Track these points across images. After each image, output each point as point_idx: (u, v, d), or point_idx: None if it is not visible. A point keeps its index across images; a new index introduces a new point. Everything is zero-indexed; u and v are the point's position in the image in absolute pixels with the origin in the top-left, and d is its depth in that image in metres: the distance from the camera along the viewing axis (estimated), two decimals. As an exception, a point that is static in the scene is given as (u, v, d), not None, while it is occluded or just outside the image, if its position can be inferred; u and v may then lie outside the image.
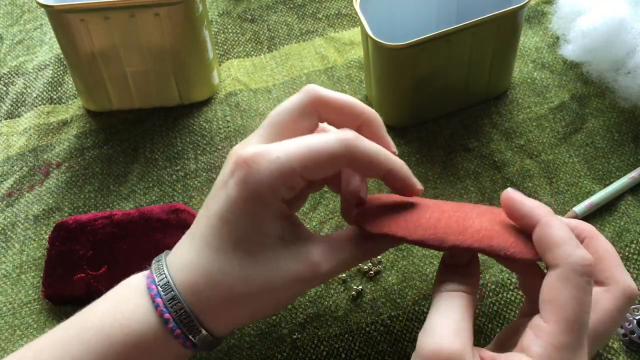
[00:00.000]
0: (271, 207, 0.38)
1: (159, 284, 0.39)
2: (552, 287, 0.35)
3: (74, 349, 0.38)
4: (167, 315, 0.38)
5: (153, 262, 0.40)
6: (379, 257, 0.52)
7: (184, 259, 0.39)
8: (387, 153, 0.40)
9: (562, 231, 0.36)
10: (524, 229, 0.38)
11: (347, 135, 0.39)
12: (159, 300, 0.38)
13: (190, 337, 0.38)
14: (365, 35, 0.54)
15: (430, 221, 0.39)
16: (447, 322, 0.35)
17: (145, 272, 0.41)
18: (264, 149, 0.38)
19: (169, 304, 0.38)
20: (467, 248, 0.37)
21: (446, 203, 0.42)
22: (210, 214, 0.39)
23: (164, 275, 0.39)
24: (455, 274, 0.38)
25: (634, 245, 0.51)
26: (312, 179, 0.39)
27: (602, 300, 0.38)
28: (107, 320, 0.38)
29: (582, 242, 0.40)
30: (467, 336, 0.35)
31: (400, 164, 0.40)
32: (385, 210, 0.41)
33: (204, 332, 0.39)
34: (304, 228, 0.41)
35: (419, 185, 0.41)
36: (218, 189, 0.40)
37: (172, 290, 0.38)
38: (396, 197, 0.43)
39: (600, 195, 0.53)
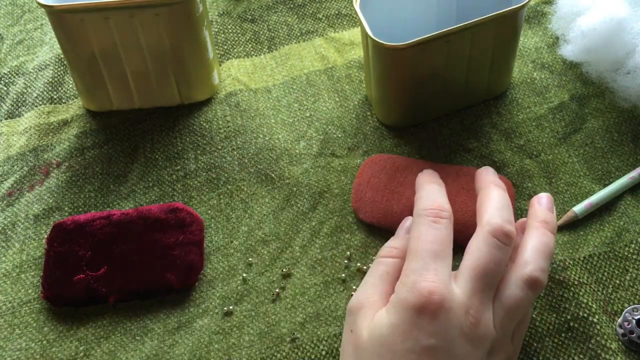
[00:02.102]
0: None
1: None
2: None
3: None
4: None
5: None
6: (378, 257, 0.52)
7: None
8: None
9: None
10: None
11: None
12: None
13: None
14: (365, 35, 0.54)
15: (412, 214, 0.47)
16: (365, 283, 0.45)
17: None
18: None
19: None
20: None
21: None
22: None
23: None
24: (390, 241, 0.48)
25: (633, 245, 0.51)
26: None
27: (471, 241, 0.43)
28: None
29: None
30: (372, 290, 0.44)
31: None
32: (377, 201, 0.53)
33: None
34: None
35: None
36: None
37: None
38: (390, 169, 0.55)
39: (600, 195, 0.53)
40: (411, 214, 0.51)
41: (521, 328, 0.44)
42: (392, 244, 0.47)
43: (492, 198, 0.45)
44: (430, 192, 0.47)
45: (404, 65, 0.54)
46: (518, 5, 0.53)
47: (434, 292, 0.40)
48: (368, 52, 0.55)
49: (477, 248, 0.42)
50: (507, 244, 0.42)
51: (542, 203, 0.47)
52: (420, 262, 0.42)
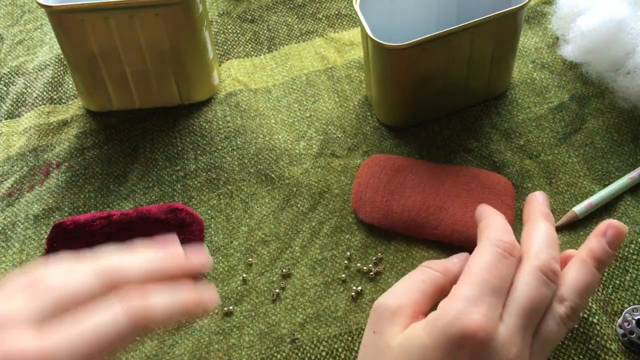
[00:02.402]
0: None
1: None
2: (472, 256, 0.42)
3: None
4: None
5: None
6: (379, 257, 0.52)
7: None
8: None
9: (492, 220, 0.44)
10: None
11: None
12: None
13: None
14: (365, 35, 0.54)
15: (411, 214, 0.51)
16: (399, 285, 0.43)
17: None
18: None
19: None
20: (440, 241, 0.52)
21: (430, 185, 0.54)
22: None
23: None
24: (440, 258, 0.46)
25: (633, 245, 0.51)
26: None
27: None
28: None
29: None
30: (407, 297, 0.41)
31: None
32: (377, 201, 0.54)
33: None
34: None
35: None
36: None
37: None
38: (391, 169, 0.55)
39: (600, 195, 0.53)
40: (411, 214, 0.51)
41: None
42: (442, 261, 0.45)
43: (541, 232, 0.43)
44: (502, 225, 0.44)
45: (404, 66, 0.54)
46: (518, 6, 0.53)
47: (481, 330, 0.37)
48: (368, 52, 0.55)
49: (525, 283, 0.40)
50: (554, 281, 0.41)
51: (608, 235, 0.43)
52: (477, 291, 0.39)
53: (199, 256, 0.40)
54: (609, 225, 0.43)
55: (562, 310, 0.40)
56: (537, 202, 0.46)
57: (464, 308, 0.38)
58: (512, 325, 0.38)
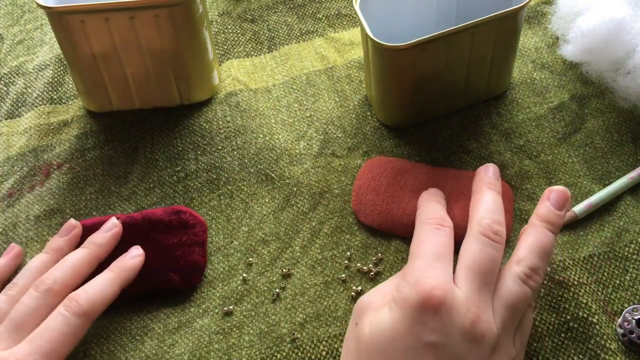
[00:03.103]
0: None
1: None
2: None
3: None
4: None
5: None
6: (379, 257, 0.52)
7: None
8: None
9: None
10: None
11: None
12: None
13: None
14: (365, 35, 0.54)
15: (412, 218, 0.51)
16: (380, 285, 0.46)
17: None
18: None
19: None
20: None
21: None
22: None
23: None
24: None
25: (633, 245, 0.51)
26: None
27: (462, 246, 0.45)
28: None
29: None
30: (383, 290, 0.45)
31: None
32: (377, 204, 0.54)
33: None
34: None
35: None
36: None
37: None
38: (390, 172, 0.56)
39: (600, 195, 0.53)
40: (411, 217, 0.52)
41: (523, 333, 0.44)
42: None
43: (484, 200, 0.47)
44: (431, 207, 0.49)
45: (403, 66, 0.54)
46: (518, 6, 0.53)
47: (436, 289, 0.40)
48: (368, 52, 0.55)
49: (470, 248, 0.44)
50: (497, 241, 0.44)
51: (551, 198, 0.47)
52: (423, 262, 0.43)
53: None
54: (550, 190, 0.47)
55: (519, 269, 0.43)
56: (484, 174, 0.49)
57: (417, 278, 0.41)
58: (465, 287, 0.41)
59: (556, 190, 0.47)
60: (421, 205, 0.50)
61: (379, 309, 0.43)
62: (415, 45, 0.51)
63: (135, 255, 0.51)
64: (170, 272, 0.52)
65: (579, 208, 0.53)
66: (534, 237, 0.45)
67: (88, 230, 0.53)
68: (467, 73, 0.56)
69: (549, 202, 0.47)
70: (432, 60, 0.54)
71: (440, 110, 0.59)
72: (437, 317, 0.40)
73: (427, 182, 0.54)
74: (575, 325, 0.48)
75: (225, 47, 0.67)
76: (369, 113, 0.61)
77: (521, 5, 0.53)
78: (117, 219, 0.54)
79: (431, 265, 0.42)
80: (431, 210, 0.48)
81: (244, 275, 0.52)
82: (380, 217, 0.53)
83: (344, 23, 0.68)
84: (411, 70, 0.54)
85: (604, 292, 0.50)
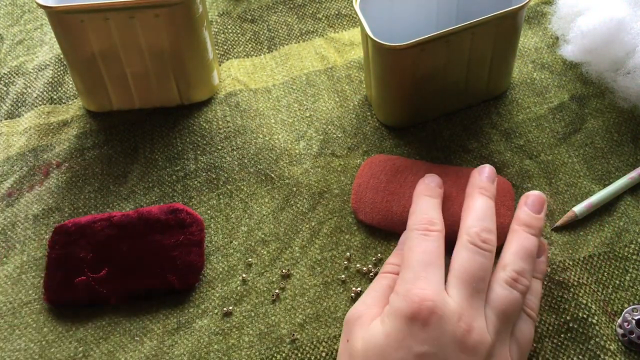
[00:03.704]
0: None
1: None
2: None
3: None
4: None
5: None
6: (379, 257, 0.52)
7: None
8: None
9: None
10: None
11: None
12: None
13: None
14: (365, 35, 0.54)
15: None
16: (367, 296, 0.45)
17: None
18: None
19: None
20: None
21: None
22: None
23: None
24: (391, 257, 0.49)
25: (633, 245, 0.51)
26: None
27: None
28: None
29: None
30: (372, 302, 0.44)
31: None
32: (377, 202, 0.54)
33: None
34: None
35: None
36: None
37: None
38: (389, 170, 0.55)
39: (600, 195, 0.53)
40: None
41: (520, 345, 0.43)
42: (392, 260, 0.48)
43: (474, 207, 0.46)
44: (423, 206, 0.48)
45: (403, 66, 0.54)
46: (518, 6, 0.53)
47: (425, 299, 0.40)
48: (368, 52, 0.55)
49: (459, 256, 0.43)
50: (486, 249, 0.44)
51: (528, 203, 0.47)
52: (412, 272, 0.42)
53: None
54: (526, 195, 0.48)
55: (505, 275, 0.43)
56: (477, 178, 0.49)
57: (406, 289, 0.41)
58: (456, 295, 0.41)
59: (532, 195, 0.48)
60: (413, 201, 0.49)
61: (369, 321, 0.42)
62: (414, 45, 0.51)
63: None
64: (168, 273, 0.51)
65: (579, 208, 0.53)
66: (516, 242, 0.45)
67: (83, 228, 0.53)
68: (467, 73, 0.56)
69: (526, 207, 0.47)
70: (432, 60, 0.54)
71: (440, 110, 0.59)
72: (428, 328, 0.39)
73: None
74: (575, 326, 0.48)
75: (225, 47, 0.67)
76: (368, 113, 0.61)
77: (521, 5, 0.53)
78: (113, 217, 0.54)
79: (420, 275, 0.42)
80: (420, 212, 0.47)
81: (244, 275, 0.52)
82: (380, 215, 0.53)
83: (344, 23, 0.68)
84: (411, 70, 0.54)
85: (604, 292, 0.50)
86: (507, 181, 0.54)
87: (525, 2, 0.53)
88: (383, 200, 0.54)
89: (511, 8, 0.53)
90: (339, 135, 0.59)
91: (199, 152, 0.59)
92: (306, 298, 0.51)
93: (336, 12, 0.69)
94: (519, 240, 0.45)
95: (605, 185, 0.55)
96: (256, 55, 0.66)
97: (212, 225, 0.55)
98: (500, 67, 0.58)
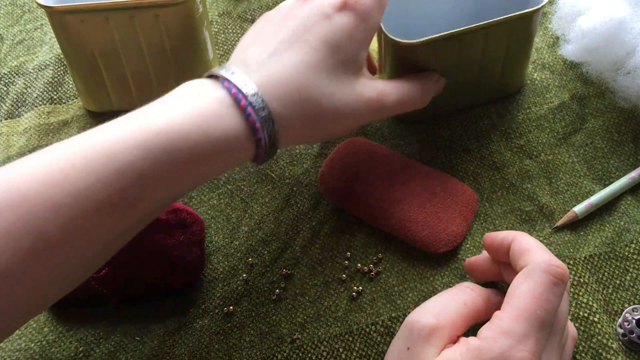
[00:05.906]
0: (370, 39, 0.46)
1: (247, 94, 0.41)
2: (516, 282, 0.40)
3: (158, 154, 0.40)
4: (257, 125, 0.40)
5: (221, 72, 0.42)
6: (379, 257, 0.52)
7: (279, 76, 0.42)
8: None
9: (532, 241, 0.42)
10: (505, 252, 0.44)
11: None
12: (250, 109, 0.40)
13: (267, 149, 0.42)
14: (379, 31, 0.54)
15: (370, 201, 0.52)
16: (438, 303, 0.41)
17: (212, 81, 0.42)
18: None
19: (260, 115, 0.41)
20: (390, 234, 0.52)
21: (397, 176, 0.54)
22: (313, 39, 0.43)
23: (251, 87, 0.41)
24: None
25: (633, 245, 0.51)
26: None
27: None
28: (192, 129, 0.40)
29: (510, 244, 0.44)
30: (447, 318, 0.40)
31: None
32: (342, 179, 0.54)
33: (278, 145, 0.42)
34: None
35: None
36: (321, 19, 0.43)
37: (263, 102, 0.41)
38: (364, 153, 0.55)
39: (600, 195, 0.53)
40: (369, 201, 0.53)
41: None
42: (483, 289, 0.44)
43: (531, 241, 0.42)
44: (538, 243, 0.43)
45: (415, 61, 0.53)
46: (534, 8, 0.52)
47: None
48: (382, 48, 0.55)
49: (546, 299, 0.39)
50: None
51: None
52: (525, 327, 0.37)
53: None
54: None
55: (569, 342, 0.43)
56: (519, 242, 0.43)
57: (512, 345, 0.37)
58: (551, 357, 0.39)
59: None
60: (523, 239, 0.43)
61: (440, 341, 0.39)
62: (427, 42, 0.51)
63: None
64: (169, 273, 0.51)
65: (579, 208, 0.53)
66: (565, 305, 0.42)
67: None
68: (479, 72, 0.56)
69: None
70: (444, 58, 0.53)
71: (452, 106, 0.59)
72: None
73: (397, 171, 0.54)
74: (576, 325, 0.48)
75: (225, 47, 0.67)
76: (369, 113, 0.60)
77: (537, 8, 0.52)
78: None
79: (532, 334, 0.37)
80: (549, 253, 0.41)
81: (244, 275, 0.52)
82: (342, 193, 0.54)
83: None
84: (424, 66, 0.53)
85: (605, 292, 0.50)
86: (474, 193, 0.54)
87: (542, 4, 0.52)
88: (349, 178, 0.54)
89: (526, 11, 0.52)
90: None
91: (199, 152, 0.59)
92: (307, 298, 0.51)
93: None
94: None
95: (605, 185, 0.55)
96: (256, 55, 0.66)
97: (212, 225, 0.55)
98: (513, 69, 0.58)
